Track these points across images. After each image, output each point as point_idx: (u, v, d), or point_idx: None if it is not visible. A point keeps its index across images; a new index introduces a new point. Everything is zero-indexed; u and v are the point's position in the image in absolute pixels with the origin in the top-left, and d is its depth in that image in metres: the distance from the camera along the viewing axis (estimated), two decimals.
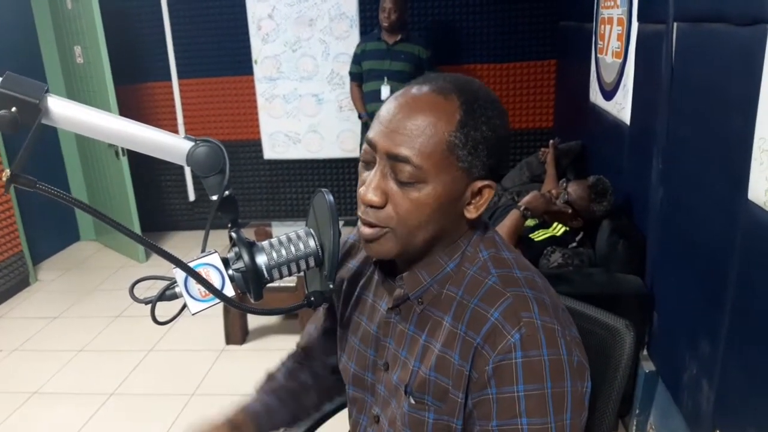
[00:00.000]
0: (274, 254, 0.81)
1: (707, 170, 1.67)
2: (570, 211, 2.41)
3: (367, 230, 0.85)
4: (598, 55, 2.99)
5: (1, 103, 0.66)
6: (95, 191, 4.56)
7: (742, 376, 1.46)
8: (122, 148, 3.92)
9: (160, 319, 0.82)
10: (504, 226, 2.24)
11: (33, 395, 2.78)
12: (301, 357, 1.20)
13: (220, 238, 0.95)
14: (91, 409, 2.64)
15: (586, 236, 2.50)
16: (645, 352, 2.14)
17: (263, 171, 4.74)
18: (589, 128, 3.26)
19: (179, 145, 0.80)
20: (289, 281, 2.87)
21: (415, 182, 0.81)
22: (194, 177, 4.73)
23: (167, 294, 0.80)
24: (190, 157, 0.80)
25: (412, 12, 4.16)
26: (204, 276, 0.77)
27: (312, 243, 0.82)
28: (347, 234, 1.11)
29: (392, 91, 0.89)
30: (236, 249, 0.81)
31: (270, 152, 4.62)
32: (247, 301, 0.86)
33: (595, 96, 3.05)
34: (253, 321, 3.20)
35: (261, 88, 4.46)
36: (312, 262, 0.83)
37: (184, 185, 4.80)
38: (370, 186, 0.83)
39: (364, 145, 0.86)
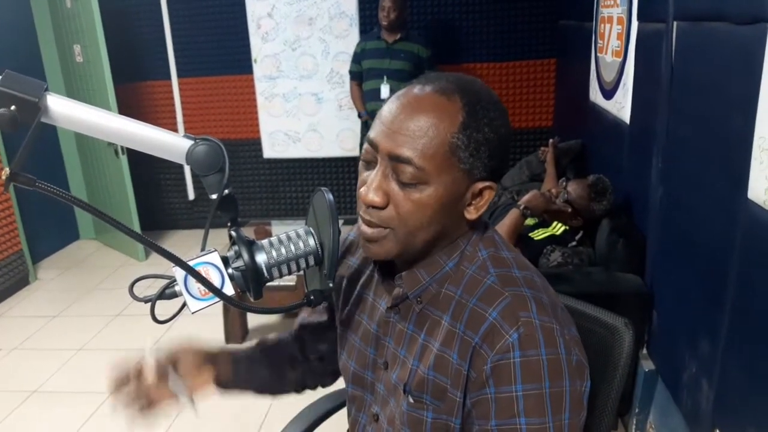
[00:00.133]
0: (274, 253, 0.81)
1: (707, 169, 1.67)
2: (570, 210, 2.41)
3: (368, 230, 0.85)
4: (598, 54, 2.99)
5: (0, 102, 0.66)
6: (95, 190, 4.56)
7: (742, 375, 1.46)
8: (122, 147, 3.92)
9: (159, 318, 0.82)
10: (504, 225, 2.24)
11: (32, 394, 2.78)
12: (296, 333, 1.20)
13: (220, 236, 0.95)
14: (90, 408, 2.64)
15: (585, 235, 2.50)
16: (645, 351, 2.14)
17: (263, 170, 4.74)
18: (588, 127, 3.26)
19: (179, 144, 0.80)
20: (289, 280, 2.87)
21: (417, 183, 0.81)
22: (194, 176, 4.73)
23: (167, 293, 0.80)
24: (189, 156, 0.80)
25: (412, 11, 4.16)
26: (204, 275, 0.77)
27: (312, 242, 0.82)
28: (347, 232, 1.11)
29: (392, 90, 0.88)
30: (236, 248, 0.81)
31: (269, 151, 4.62)
32: (246, 299, 0.86)
33: (595, 95, 3.05)
34: (253, 320, 3.20)
35: (260, 87, 4.46)
36: (312, 261, 0.83)
37: (184, 184, 4.80)
38: (371, 186, 0.83)
39: (365, 145, 0.86)
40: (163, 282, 0.81)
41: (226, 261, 0.80)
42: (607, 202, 2.41)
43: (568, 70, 4.01)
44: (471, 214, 0.86)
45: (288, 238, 0.83)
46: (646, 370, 2.07)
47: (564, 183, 2.48)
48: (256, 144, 4.63)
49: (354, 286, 1.05)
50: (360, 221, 0.87)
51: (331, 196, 0.82)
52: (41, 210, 4.25)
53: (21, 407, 2.69)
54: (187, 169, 4.71)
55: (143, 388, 0.95)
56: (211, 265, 0.78)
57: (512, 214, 2.26)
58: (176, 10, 4.38)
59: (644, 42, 2.28)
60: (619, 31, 2.57)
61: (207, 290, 0.77)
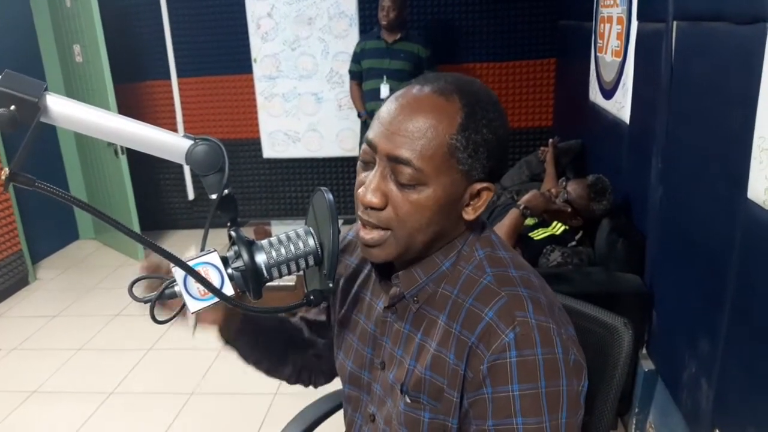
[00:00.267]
0: (274, 253, 0.81)
1: (707, 169, 1.67)
2: (569, 209, 2.41)
3: (367, 236, 0.85)
4: (598, 54, 2.99)
5: None
6: (94, 190, 4.56)
7: (742, 375, 1.46)
8: (121, 147, 3.92)
9: (159, 318, 0.82)
10: (503, 225, 2.24)
11: (32, 394, 2.78)
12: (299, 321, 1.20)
13: (220, 236, 0.95)
14: (90, 408, 2.64)
15: (585, 235, 2.50)
16: (644, 351, 2.14)
17: (262, 170, 4.73)
18: (588, 127, 3.26)
19: (178, 144, 0.80)
20: (289, 280, 2.87)
21: (416, 184, 0.81)
22: (193, 176, 4.72)
23: (166, 293, 0.80)
24: (189, 156, 0.80)
25: (412, 10, 4.16)
26: (203, 275, 0.77)
27: (311, 242, 0.82)
28: (346, 231, 1.11)
29: (392, 90, 0.88)
30: (235, 248, 0.81)
31: (269, 151, 4.62)
32: (246, 300, 0.86)
33: (595, 95, 3.05)
34: None
35: (260, 86, 4.46)
36: (311, 261, 0.83)
37: (183, 184, 4.80)
38: (369, 187, 0.83)
39: (364, 146, 0.86)
40: (163, 282, 0.81)
41: (225, 261, 0.80)
42: (606, 202, 2.40)
43: (568, 69, 4.01)
44: (469, 214, 0.86)
45: (288, 238, 0.82)
46: (646, 369, 2.07)
47: (564, 183, 2.48)
48: (255, 144, 4.63)
49: (351, 286, 1.05)
50: (359, 223, 0.87)
51: (330, 196, 0.82)
52: (41, 210, 4.25)
53: (21, 407, 2.69)
54: (186, 169, 4.71)
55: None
56: (210, 265, 0.78)
57: (512, 214, 2.26)
58: (176, 9, 4.38)
59: (644, 42, 2.28)
60: (619, 30, 2.57)
61: (206, 290, 0.77)
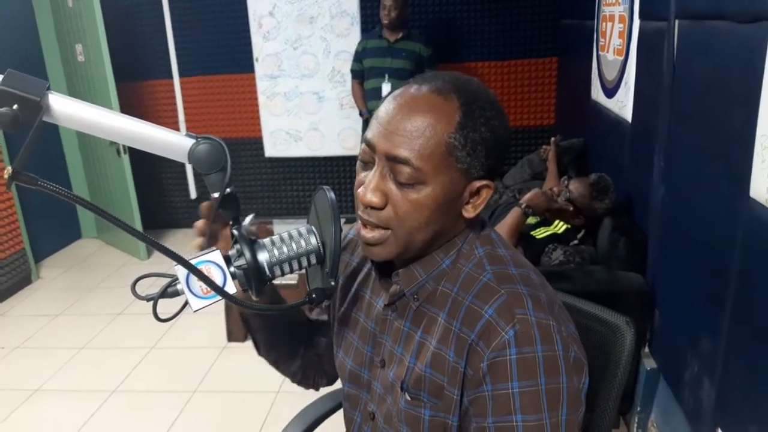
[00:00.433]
0: (276, 251, 0.81)
1: (709, 168, 1.67)
2: (571, 208, 2.40)
3: (368, 234, 0.85)
4: (600, 53, 2.99)
5: (2, 101, 0.66)
6: (96, 189, 4.56)
7: (744, 374, 1.46)
8: (123, 146, 3.93)
9: (161, 317, 0.82)
10: (505, 224, 2.24)
11: (35, 393, 2.79)
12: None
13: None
14: (93, 406, 2.65)
15: (587, 234, 2.50)
16: (646, 350, 2.14)
17: (264, 169, 4.74)
18: (590, 126, 3.26)
19: (181, 143, 0.80)
20: (291, 278, 2.88)
21: (415, 183, 0.81)
22: (195, 174, 4.73)
23: (169, 291, 0.80)
24: (191, 155, 0.80)
25: (413, 10, 4.15)
26: (206, 273, 0.77)
27: (313, 240, 0.82)
28: (347, 230, 1.11)
29: (393, 89, 0.88)
30: (238, 246, 0.81)
31: (271, 150, 4.62)
32: (248, 298, 0.86)
33: (597, 93, 3.05)
34: None
35: (262, 85, 4.46)
36: (314, 260, 0.83)
37: (186, 183, 4.81)
38: (369, 187, 0.83)
39: (363, 145, 0.86)
40: (165, 280, 0.81)
41: (228, 259, 0.80)
42: (608, 201, 2.40)
43: (570, 68, 4.00)
44: (469, 212, 0.86)
45: (290, 236, 0.83)
46: (648, 368, 2.07)
47: (565, 181, 2.48)
48: (257, 143, 4.63)
49: (351, 284, 1.05)
50: (359, 222, 0.87)
51: (332, 195, 0.82)
52: (43, 209, 4.25)
53: (23, 406, 2.70)
54: (188, 168, 4.71)
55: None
56: (213, 263, 0.79)
57: (514, 213, 2.25)
58: (178, 9, 4.38)
59: (646, 40, 2.27)
60: (621, 29, 2.57)
61: (209, 289, 0.77)
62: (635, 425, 2.15)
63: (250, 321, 1.06)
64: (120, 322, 3.43)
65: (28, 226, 4.01)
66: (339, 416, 1.25)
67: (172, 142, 0.79)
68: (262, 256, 0.81)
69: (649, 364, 2.08)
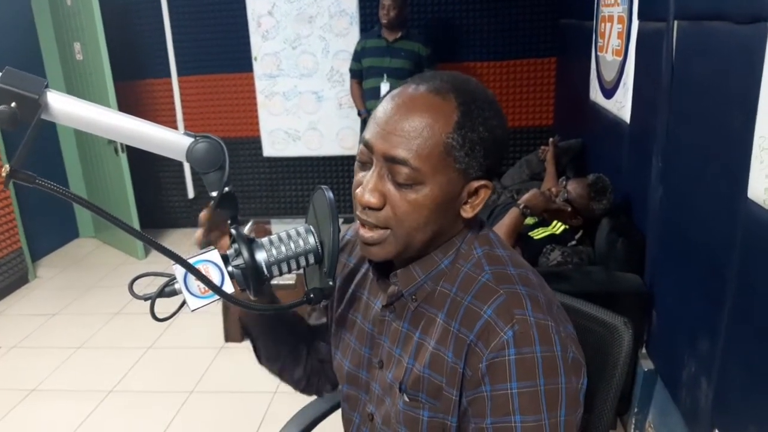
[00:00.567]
0: (274, 251, 0.81)
1: (707, 169, 1.67)
2: (569, 209, 2.41)
3: (366, 234, 0.85)
4: (599, 53, 2.99)
5: (0, 99, 0.66)
6: (94, 188, 4.56)
7: (741, 375, 1.46)
8: (121, 145, 3.92)
9: (159, 316, 0.82)
10: (503, 225, 2.24)
11: (32, 392, 2.78)
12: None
13: None
14: (89, 406, 2.64)
15: (585, 234, 2.51)
16: (644, 351, 2.14)
17: (263, 168, 4.73)
18: (589, 126, 3.26)
19: (179, 141, 0.80)
20: (289, 278, 2.87)
21: (413, 184, 0.81)
22: (194, 174, 4.73)
23: (166, 291, 0.80)
24: (189, 154, 0.80)
25: (412, 9, 4.16)
26: (203, 272, 0.77)
27: (312, 240, 0.82)
28: (345, 230, 1.11)
29: (392, 88, 0.87)
30: (236, 245, 0.81)
31: (269, 149, 4.62)
32: (246, 298, 0.86)
33: (595, 94, 3.05)
34: None
35: (261, 85, 4.46)
36: (312, 259, 0.83)
37: (183, 182, 4.80)
38: (367, 188, 0.83)
39: (361, 146, 0.86)
40: (163, 280, 0.81)
41: (225, 259, 0.80)
42: (606, 202, 2.41)
43: (569, 68, 4.01)
44: (467, 212, 0.86)
45: (288, 236, 0.83)
46: (645, 369, 2.07)
47: (564, 182, 2.48)
48: (256, 142, 4.63)
49: (348, 285, 1.05)
50: (357, 222, 0.87)
51: (331, 195, 0.82)
52: (41, 208, 4.25)
53: (20, 405, 2.69)
54: (186, 167, 4.71)
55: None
56: (210, 262, 0.78)
57: (512, 213, 2.26)
58: (176, 7, 4.38)
59: (645, 41, 2.28)
60: (620, 30, 2.57)
61: (207, 288, 0.77)
62: (632, 426, 2.15)
63: (250, 328, 1.05)
64: (117, 322, 3.42)
65: (25, 225, 4.00)
66: (336, 417, 1.25)
67: (170, 140, 0.79)
68: (260, 256, 0.81)
69: (646, 365, 2.08)
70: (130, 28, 4.44)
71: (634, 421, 2.15)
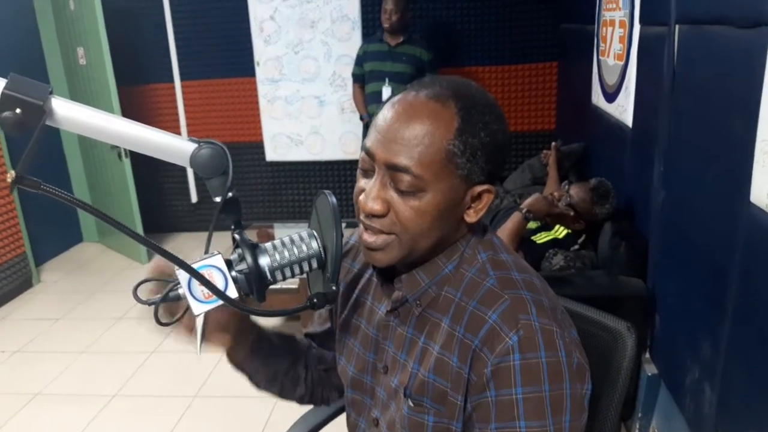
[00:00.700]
0: (277, 256, 0.81)
1: (709, 173, 1.67)
2: (572, 213, 2.40)
3: (370, 239, 0.85)
4: (600, 58, 2.99)
5: (5, 105, 0.66)
6: (98, 193, 4.57)
7: (745, 380, 1.46)
8: (125, 150, 3.93)
9: (163, 321, 0.82)
10: (506, 229, 2.23)
11: (35, 397, 2.78)
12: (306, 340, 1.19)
13: (223, 239, 0.95)
14: (93, 411, 2.64)
15: (588, 239, 2.50)
16: (647, 355, 2.14)
17: (265, 173, 4.74)
18: (591, 130, 3.26)
19: (183, 147, 0.80)
20: (292, 283, 2.87)
21: (415, 191, 0.81)
22: (197, 179, 4.73)
23: (171, 295, 0.81)
24: (193, 159, 0.80)
25: (414, 14, 4.17)
26: (207, 277, 0.77)
27: (315, 245, 0.82)
28: (347, 236, 1.11)
29: (393, 93, 0.88)
30: (239, 251, 0.81)
31: (272, 154, 4.63)
32: (249, 302, 0.86)
33: (597, 98, 3.05)
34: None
35: (263, 89, 4.46)
36: (315, 264, 0.83)
37: (187, 187, 4.81)
38: (370, 196, 0.83)
39: (362, 154, 0.86)
40: (167, 285, 0.81)
41: (229, 264, 0.80)
42: (609, 206, 2.40)
43: (570, 73, 4.01)
44: (471, 217, 0.86)
45: (291, 241, 0.83)
46: (649, 374, 2.06)
47: (566, 186, 2.48)
48: (258, 147, 4.64)
49: (352, 291, 1.05)
50: (361, 228, 0.87)
51: (334, 199, 0.82)
52: (44, 213, 4.26)
53: (24, 410, 2.69)
54: (189, 172, 4.72)
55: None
56: (214, 268, 0.79)
57: (514, 218, 2.25)
58: (179, 13, 4.40)
59: (646, 45, 2.28)
60: (621, 34, 2.57)
61: (210, 293, 0.77)
62: (636, 431, 2.15)
63: (243, 365, 1.06)
64: (121, 327, 3.42)
65: (29, 230, 4.01)
66: (340, 421, 1.25)
67: (174, 146, 0.80)
68: (264, 261, 0.81)
69: (650, 369, 2.08)
70: (133, 33, 4.46)
71: (638, 426, 2.14)
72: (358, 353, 1.02)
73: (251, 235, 3.18)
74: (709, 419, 1.62)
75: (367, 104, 3.90)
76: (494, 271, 0.86)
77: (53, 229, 4.45)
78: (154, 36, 4.45)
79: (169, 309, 0.86)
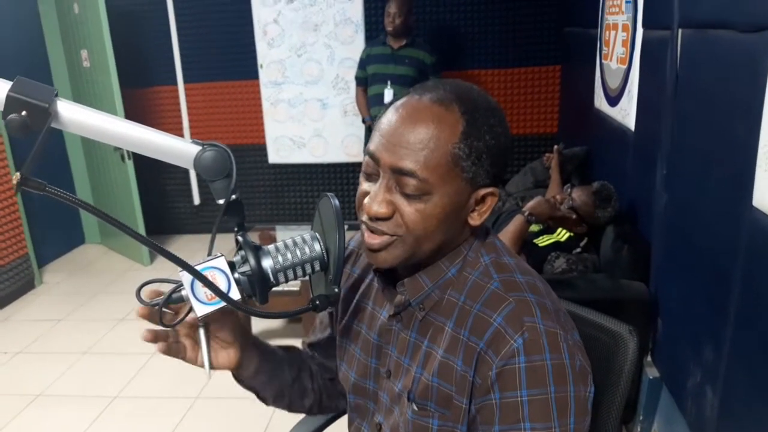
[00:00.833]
0: (280, 258, 0.82)
1: (712, 176, 1.67)
2: (574, 216, 2.41)
3: (374, 241, 0.85)
4: (603, 61, 3.00)
5: (11, 108, 0.67)
6: (101, 195, 4.58)
7: (747, 383, 1.46)
8: (128, 152, 3.94)
9: (165, 322, 0.82)
10: (508, 232, 2.24)
11: (37, 398, 2.79)
12: (308, 351, 1.19)
13: (226, 241, 0.95)
14: (95, 412, 2.65)
15: (590, 242, 2.50)
16: (649, 359, 2.13)
17: (268, 175, 4.75)
18: (593, 134, 3.26)
19: (187, 149, 0.80)
20: (294, 285, 2.88)
21: (421, 195, 0.81)
22: (199, 181, 4.74)
23: (174, 297, 0.81)
24: (197, 162, 0.80)
25: (417, 17, 4.17)
26: (210, 279, 0.77)
27: (317, 247, 0.83)
28: (348, 239, 1.11)
29: (395, 95, 0.88)
30: (242, 252, 0.82)
31: (275, 156, 4.63)
32: (252, 304, 0.86)
33: (600, 102, 3.05)
34: (257, 325, 3.20)
35: (266, 92, 4.47)
36: (317, 266, 0.83)
37: (189, 189, 4.82)
38: (375, 199, 0.83)
39: (366, 158, 0.86)
40: (170, 286, 0.82)
41: (232, 266, 0.81)
42: (611, 209, 2.40)
43: (573, 76, 4.01)
44: (475, 220, 0.86)
45: (294, 243, 0.83)
46: (651, 377, 2.06)
47: (569, 189, 2.48)
48: (261, 149, 4.64)
49: (353, 296, 1.05)
50: (363, 230, 0.87)
51: (337, 202, 0.82)
52: (47, 214, 4.27)
53: (26, 411, 2.69)
54: (192, 174, 4.73)
55: (173, 318, 0.88)
56: (217, 269, 0.79)
57: (517, 221, 2.26)
58: (183, 15, 4.41)
59: (649, 49, 2.28)
60: (624, 38, 2.57)
61: (214, 295, 0.77)
62: None
63: (253, 382, 1.04)
64: (123, 328, 3.43)
65: (32, 231, 4.02)
66: (341, 424, 1.25)
67: (178, 148, 0.80)
68: (267, 263, 0.81)
69: (651, 373, 2.07)
70: (137, 36, 4.47)
71: (639, 430, 2.13)
72: (359, 359, 1.02)
73: (254, 237, 3.18)
74: (711, 423, 1.62)
75: (370, 107, 3.90)
76: (498, 274, 0.87)
77: (56, 230, 4.47)
78: (158, 39, 4.46)
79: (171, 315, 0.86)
